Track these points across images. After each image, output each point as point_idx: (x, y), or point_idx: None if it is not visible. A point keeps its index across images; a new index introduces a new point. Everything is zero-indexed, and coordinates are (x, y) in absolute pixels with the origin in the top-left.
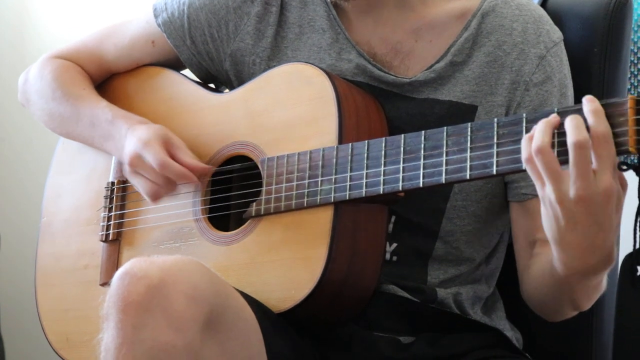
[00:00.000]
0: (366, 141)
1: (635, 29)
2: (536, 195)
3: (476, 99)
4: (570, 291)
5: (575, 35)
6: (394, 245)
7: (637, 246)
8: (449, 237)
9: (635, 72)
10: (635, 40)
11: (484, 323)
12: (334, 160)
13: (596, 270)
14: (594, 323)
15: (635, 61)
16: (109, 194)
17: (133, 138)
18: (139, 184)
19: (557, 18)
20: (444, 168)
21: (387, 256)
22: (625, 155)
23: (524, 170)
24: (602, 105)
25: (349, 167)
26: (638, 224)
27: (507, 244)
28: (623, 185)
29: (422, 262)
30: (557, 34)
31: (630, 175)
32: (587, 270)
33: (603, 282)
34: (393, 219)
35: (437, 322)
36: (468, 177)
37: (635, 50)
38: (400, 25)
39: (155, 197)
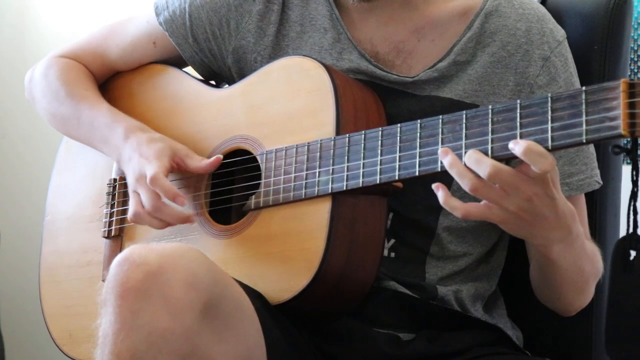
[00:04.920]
0: (363, 132)
1: (636, 26)
2: None
3: (478, 99)
4: (553, 265)
5: (575, 33)
6: (392, 241)
7: (630, 230)
8: (446, 234)
9: (635, 70)
10: (636, 37)
11: (485, 321)
12: (332, 151)
13: (554, 229)
14: (593, 324)
15: (635, 59)
16: (111, 190)
17: (136, 155)
18: (133, 203)
19: (558, 16)
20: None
21: (385, 252)
22: (619, 139)
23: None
24: (595, 89)
25: (346, 158)
26: (631, 208)
27: (507, 243)
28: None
29: (419, 259)
30: (560, 32)
31: (626, 170)
32: (548, 235)
33: (586, 248)
34: (390, 215)
35: (438, 319)
36: (463, 164)
37: (636, 48)
38: (403, 24)
39: (138, 220)
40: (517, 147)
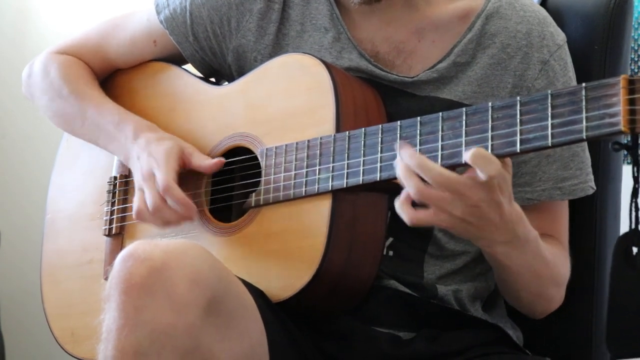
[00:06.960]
0: (363, 128)
1: (636, 26)
2: (540, 200)
3: (477, 100)
4: (503, 267)
5: (575, 33)
6: (390, 240)
7: (632, 227)
8: (442, 234)
9: (636, 70)
10: (636, 37)
11: (485, 320)
12: (332, 148)
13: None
14: (593, 323)
15: (636, 59)
16: (111, 188)
17: (144, 154)
18: (137, 200)
19: (558, 16)
20: (439, 153)
21: (384, 251)
22: (619, 136)
23: (519, 153)
24: (595, 85)
25: (346, 155)
26: (632, 205)
27: None
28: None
29: (418, 258)
30: (560, 36)
31: (627, 171)
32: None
33: (543, 253)
34: (389, 214)
35: (438, 318)
36: (463, 161)
37: (636, 48)
38: (404, 25)
39: (141, 217)
40: (464, 154)
